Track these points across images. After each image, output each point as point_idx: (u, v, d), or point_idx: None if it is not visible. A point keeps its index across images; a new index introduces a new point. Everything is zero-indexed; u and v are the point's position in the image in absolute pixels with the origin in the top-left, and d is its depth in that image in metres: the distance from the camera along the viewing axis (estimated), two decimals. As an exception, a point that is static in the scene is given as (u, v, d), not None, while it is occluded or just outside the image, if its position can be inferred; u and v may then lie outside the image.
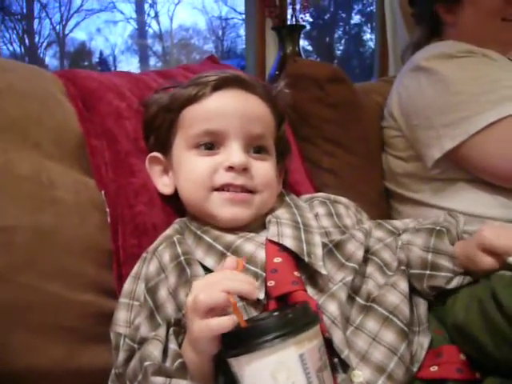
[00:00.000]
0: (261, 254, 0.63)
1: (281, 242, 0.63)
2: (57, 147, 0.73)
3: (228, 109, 0.69)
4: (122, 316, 0.65)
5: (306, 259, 0.61)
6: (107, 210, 0.73)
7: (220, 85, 0.70)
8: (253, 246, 0.64)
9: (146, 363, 0.53)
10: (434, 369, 0.58)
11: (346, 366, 0.55)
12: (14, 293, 0.63)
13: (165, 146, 0.74)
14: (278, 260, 0.61)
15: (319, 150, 1.09)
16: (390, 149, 1.16)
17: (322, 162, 1.09)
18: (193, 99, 0.70)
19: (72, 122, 0.77)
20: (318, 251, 0.63)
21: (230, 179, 0.66)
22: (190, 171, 0.69)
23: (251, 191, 0.68)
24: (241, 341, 0.49)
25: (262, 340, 0.48)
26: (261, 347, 0.48)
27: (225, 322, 0.49)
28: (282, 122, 0.77)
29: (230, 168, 0.66)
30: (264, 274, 0.60)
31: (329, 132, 1.09)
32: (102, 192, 0.74)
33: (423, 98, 1.03)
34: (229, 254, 0.63)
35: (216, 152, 0.69)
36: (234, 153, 0.67)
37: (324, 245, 0.65)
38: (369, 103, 1.21)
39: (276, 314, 0.52)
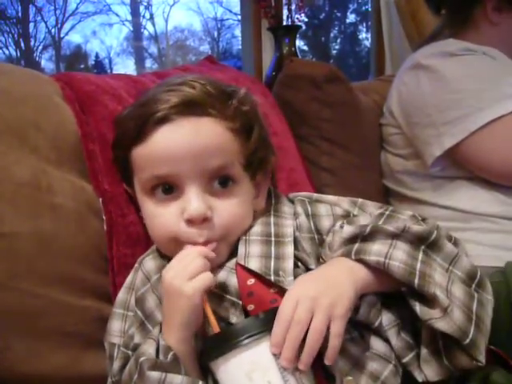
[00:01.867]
0: (233, 281, 0.60)
1: (245, 265, 0.60)
2: (55, 151, 0.73)
3: (176, 149, 0.60)
4: (116, 326, 0.65)
5: (273, 278, 0.58)
6: (104, 217, 0.73)
7: (165, 117, 0.60)
8: (224, 272, 0.61)
9: (142, 358, 0.53)
10: None
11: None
12: (16, 299, 0.63)
13: (128, 180, 0.69)
14: (251, 282, 0.59)
15: (317, 149, 1.09)
16: (389, 146, 1.16)
17: (321, 161, 1.09)
18: (138, 138, 0.62)
19: (70, 126, 0.76)
20: (288, 265, 0.60)
21: (195, 237, 0.60)
22: (152, 225, 0.65)
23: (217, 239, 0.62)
24: (216, 344, 0.51)
25: (235, 341, 0.49)
26: (234, 348, 0.49)
27: (212, 277, 0.54)
28: (251, 132, 0.66)
29: (190, 221, 0.60)
30: (240, 302, 0.59)
31: (327, 131, 1.09)
32: (100, 199, 0.73)
33: (423, 96, 1.03)
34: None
35: (175, 196, 0.62)
36: (190, 201, 0.60)
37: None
38: (366, 102, 1.21)
39: (249, 317, 0.54)
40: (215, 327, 0.53)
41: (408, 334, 0.56)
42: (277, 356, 0.50)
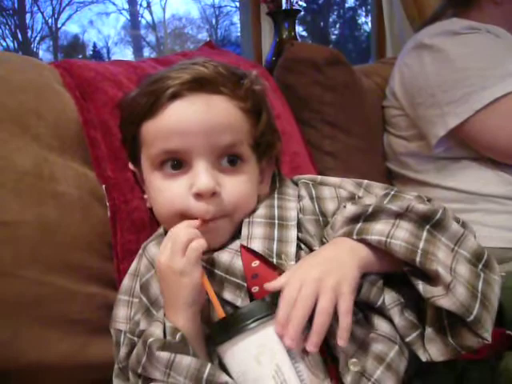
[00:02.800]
0: (237, 263, 0.60)
1: (249, 246, 0.59)
2: (56, 139, 0.72)
3: (188, 124, 0.60)
4: (121, 313, 0.65)
5: (275, 261, 0.58)
6: (107, 203, 0.73)
7: (178, 92, 0.60)
8: (228, 255, 0.61)
9: (150, 340, 0.53)
10: None
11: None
12: (21, 287, 0.63)
13: (135, 159, 0.69)
14: (255, 264, 0.59)
15: (320, 133, 1.08)
16: (391, 128, 1.16)
17: (323, 145, 1.08)
18: (149, 112, 0.62)
19: (71, 113, 0.76)
20: (291, 249, 0.59)
21: (202, 212, 0.60)
22: (158, 198, 0.64)
23: (224, 215, 0.62)
24: (222, 329, 0.51)
25: (242, 325, 0.49)
26: (241, 332, 0.49)
27: (202, 241, 0.56)
28: (261, 115, 0.66)
29: (198, 195, 0.59)
30: (245, 284, 0.58)
31: (329, 115, 1.08)
32: (103, 186, 0.73)
33: (427, 76, 1.02)
34: (207, 265, 0.60)
35: (183, 171, 0.61)
36: (199, 176, 0.60)
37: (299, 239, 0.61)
38: (368, 85, 1.20)
39: (255, 301, 0.53)
40: (219, 311, 0.53)
41: (412, 313, 0.56)
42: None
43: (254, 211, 0.65)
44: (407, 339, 0.54)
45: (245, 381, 0.50)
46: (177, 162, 0.62)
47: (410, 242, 0.53)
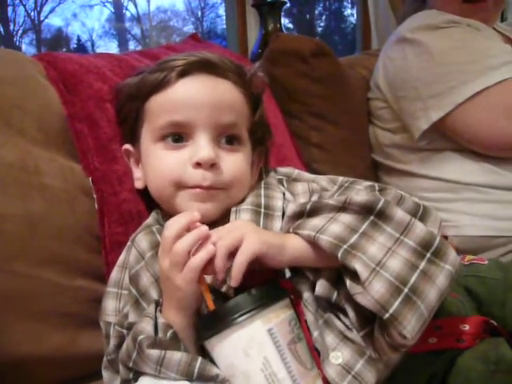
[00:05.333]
0: None
1: None
2: (41, 133, 0.72)
3: (195, 98, 0.64)
4: (110, 305, 0.64)
5: None
6: (94, 196, 0.72)
7: (187, 70, 0.65)
8: None
9: (140, 337, 0.53)
10: (432, 340, 0.59)
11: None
12: (8, 281, 0.63)
13: (133, 137, 0.71)
14: None
15: (306, 125, 1.09)
16: (376, 120, 1.16)
17: (310, 137, 1.09)
18: (158, 86, 0.65)
19: (55, 106, 0.75)
20: None
21: (199, 180, 0.62)
22: (157, 167, 0.65)
23: (221, 188, 0.64)
24: (210, 323, 0.51)
25: (230, 319, 0.49)
26: (228, 326, 0.49)
27: (202, 253, 0.52)
28: (258, 106, 0.71)
29: (198, 164, 0.62)
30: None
31: (315, 106, 1.09)
32: (90, 178, 0.73)
33: (409, 70, 1.03)
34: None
35: (184, 145, 0.64)
36: (201, 147, 0.62)
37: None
38: (354, 76, 1.21)
39: (241, 294, 0.53)
40: (210, 305, 0.53)
41: (366, 309, 0.53)
42: (272, 331, 0.50)
43: (242, 200, 0.66)
44: (360, 334, 0.54)
45: (234, 374, 0.50)
46: (178, 137, 0.64)
47: (338, 237, 0.52)
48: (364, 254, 0.51)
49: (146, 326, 0.55)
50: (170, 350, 0.52)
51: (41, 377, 0.68)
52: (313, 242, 0.54)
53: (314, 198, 0.66)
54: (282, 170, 0.74)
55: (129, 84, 0.71)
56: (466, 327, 0.59)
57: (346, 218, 0.54)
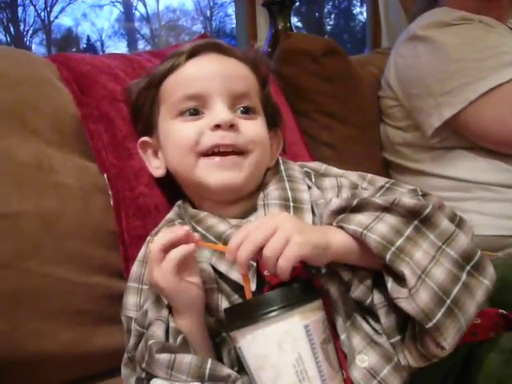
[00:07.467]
0: None
1: None
2: (56, 133, 0.73)
3: (206, 71, 0.67)
4: (131, 300, 0.64)
5: None
6: (110, 192, 0.73)
7: (195, 52, 0.69)
8: None
9: (150, 342, 0.54)
10: None
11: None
12: (22, 279, 0.64)
13: (151, 126, 0.72)
14: None
15: (317, 124, 1.09)
16: (388, 119, 1.16)
17: (321, 135, 1.08)
18: (169, 71, 0.69)
19: (69, 107, 0.76)
20: None
21: (218, 139, 0.63)
22: (176, 138, 0.67)
23: (241, 152, 0.65)
24: (246, 313, 0.50)
25: (268, 310, 0.49)
26: (267, 317, 0.48)
27: (181, 247, 0.53)
28: (266, 83, 0.74)
29: (217, 126, 0.63)
30: (254, 264, 0.58)
31: (326, 105, 1.08)
32: (105, 175, 0.74)
33: (421, 67, 1.03)
34: (220, 244, 0.61)
35: (201, 116, 0.66)
36: (219, 112, 0.64)
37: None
38: (365, 75, 1.20)
39: (280, 287, 0.52)
40: (248, 295, 0.52)
41: (399, 316, 0.54)
42: (308, 328, 0.49)
43: (265, 185, 0.67)
44: (391, 341, 0.54)
45: (263, 366, 0.50)
46: (195, 111, 0.66)
47: (386, 238, 0.51)
48: (411, 259, 0.50)
49: (157, 330, 0.55)
50: (179, 354, 0.53)
51: (52, 374, 0.69)
52: (357, 239, 0.53)
53: (345, 193, 0.65)
54: (310, 164, 0.73)
55: (140, 81, 0.74)
56: (478, 320, 0.58)
57: (392, 219, 0.53)
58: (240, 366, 0.55)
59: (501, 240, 0.98)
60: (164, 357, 0.52)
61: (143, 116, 0.73)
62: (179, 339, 0.54)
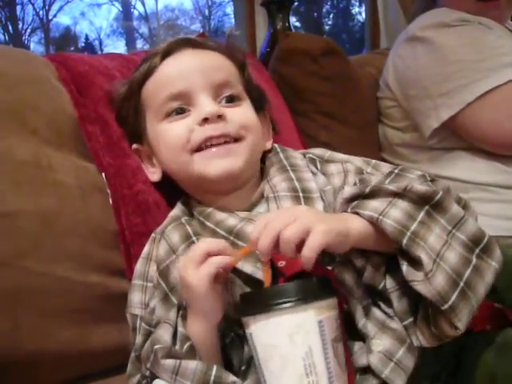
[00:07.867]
0: None
1: None
2: (54, 133, 0.73)
3: (184, 67, 0.68)
4: (136, 298, 0.64)
5: None
6: (108, 191, 0.73)
7: (169, 50, 0.69)
8: (253, 227, 0.60)
9: (156, 346, 0.54)
10: None
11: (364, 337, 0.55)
12: (21, 278, 0.64)
13: (139, 134, 0.72)
14: None
15: (315, 124, 1.09)
16: (386, 119, 1.16)
17: (319, 136, 1.08)
18: (147, 74, 0.69)
19: (68, 107, 0.76)
20: None
21: (209, 131, 0.64)
22: (166, 139, 0.67)
23: (235, 139, 0.65)
24: (261, 300, 0.50)
25: (284, 301, 0.49)
26: (282, 307, 0.48)
27: (223, 258, 0.52)
28: (244, 68, 0.75)
29: (205, 120, 0.64)
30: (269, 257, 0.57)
31: (324, 105, 1.08)
32: (103, 174, 0.74)
33: (419, 68, 1.03)
34: (232, 238, 0.61)
35: (188, 114, 0.67)
36: (204, 105, 0.65)
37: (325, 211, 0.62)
38: (363, 75, 1.21)
39: (298, 280, 0.52)
40: (267, 282, 0.52)
41: (410, 299, 0.56)
42: (322, 324, 0.49)
43: (268, 175, 0.68)
44: (403, 323, 0.55)
45: (271, 355, 0.50)
46: (181, 110, 0.67)
47: (401, 223, 0.52)
48: (425, 244, 0.51)
49: (164, 335, 0.55)
50: (185, 359, 0.52)
51: (51, 373, 0.69)
52: (373, 224, 0.54)
53: (351, 178, 0.66)
54: (315, 151, 0.73)
55: (120, 88, 0.74)
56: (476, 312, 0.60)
57: (404, 204, 0.54)
58: (248, 365, 0.56)
59: (499, 241, 0.98)
60: (169, 362, 0.52)
61: (129, 126, 0.74)
62: (186, 346, 0.54)
